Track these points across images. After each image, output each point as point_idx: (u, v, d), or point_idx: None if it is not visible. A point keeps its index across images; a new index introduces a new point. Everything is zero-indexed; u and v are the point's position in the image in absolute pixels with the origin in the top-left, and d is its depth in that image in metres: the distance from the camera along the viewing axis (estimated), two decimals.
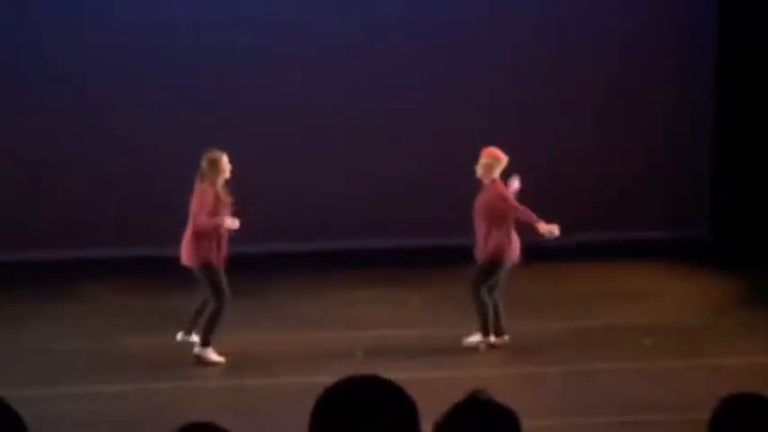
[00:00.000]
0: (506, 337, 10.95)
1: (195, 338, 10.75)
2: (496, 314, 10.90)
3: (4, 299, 12.73)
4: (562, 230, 10.76)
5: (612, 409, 9.25)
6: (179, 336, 10.78)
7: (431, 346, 10.90)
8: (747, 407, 2.87)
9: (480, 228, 10.79)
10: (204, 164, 10.49)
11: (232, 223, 10.34)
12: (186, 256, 10.57)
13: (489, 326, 10.85)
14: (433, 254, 14.28)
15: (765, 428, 2.83)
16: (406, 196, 14.86)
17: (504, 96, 14.99)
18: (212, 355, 10.67)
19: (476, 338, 10.92)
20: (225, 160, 10.49)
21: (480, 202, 10.81)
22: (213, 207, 10.40)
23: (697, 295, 12.80)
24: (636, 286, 13.10)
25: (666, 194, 15.45)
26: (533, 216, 10.67)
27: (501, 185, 10.77)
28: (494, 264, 10.76)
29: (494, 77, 14.99)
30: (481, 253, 10.81)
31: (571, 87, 15.14)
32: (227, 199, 10.52)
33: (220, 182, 10.50)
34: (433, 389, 9.31)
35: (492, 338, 10.88)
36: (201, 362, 10.64)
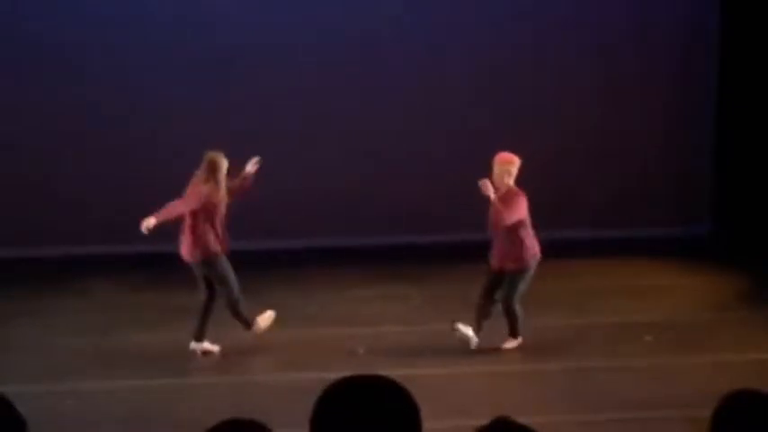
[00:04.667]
0: (477, 339, 10.73)
1: (207, 345, 10.76)
2: (487, 313, 10.72)
3: (5, 295, 12.73)
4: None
5: (613, 406, 9.23)
6: (192, 344, 10.75)
7: (432, 344, 10.88)
8: (749, 404, 2.87)
9: (498, 235, 10.55)
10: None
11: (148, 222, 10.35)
12: (186, 251, 10.59)
13: (518, 329, 10.74)
14: (434, 250, 14.29)
15: (767, 425, 2.82)
16: (406, 194, 14.85)
17: (505, 96, 14.98)
18: (208, 346, 10.72)
19: (511, 344, 10.79)
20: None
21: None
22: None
23: (698, 292, 12.80)
24: (637, 283, 13.08)
25: (668, 192, 15.46)
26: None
27: (514, 192, 10.45)
28: (520, 272, 10.55)
29: (494, 77, 14.98)
30: (503, 261, 10.58)
31: (571, 87, 15.13)
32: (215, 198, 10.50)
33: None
34: (433, 386, 9.36)
35: (470, 331, 10.73)
36: (203, 354, 10.70)
